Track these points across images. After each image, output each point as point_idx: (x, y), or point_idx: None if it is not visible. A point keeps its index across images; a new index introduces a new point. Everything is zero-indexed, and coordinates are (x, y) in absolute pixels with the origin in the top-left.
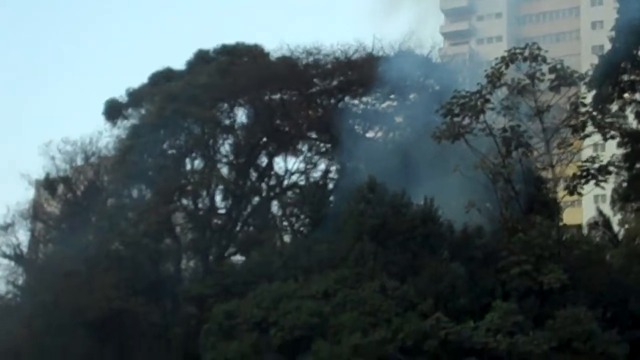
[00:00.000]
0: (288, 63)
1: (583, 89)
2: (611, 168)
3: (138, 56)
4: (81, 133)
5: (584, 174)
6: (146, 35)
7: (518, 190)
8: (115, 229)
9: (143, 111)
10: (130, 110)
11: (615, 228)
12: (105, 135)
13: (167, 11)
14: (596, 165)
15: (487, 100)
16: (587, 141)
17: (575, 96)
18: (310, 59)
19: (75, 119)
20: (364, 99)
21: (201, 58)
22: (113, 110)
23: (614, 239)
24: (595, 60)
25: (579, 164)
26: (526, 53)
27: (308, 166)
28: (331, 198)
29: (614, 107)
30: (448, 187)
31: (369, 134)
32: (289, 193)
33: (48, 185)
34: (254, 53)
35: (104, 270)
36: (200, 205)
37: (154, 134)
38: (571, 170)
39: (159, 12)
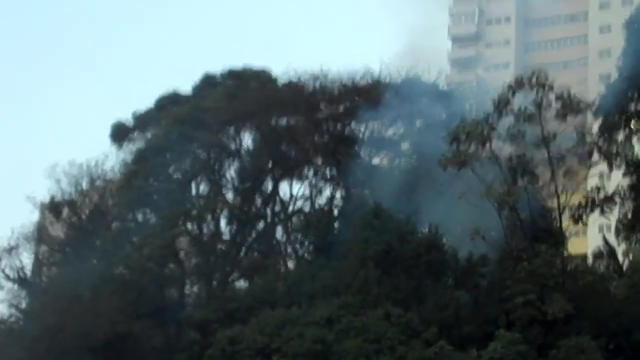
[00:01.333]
0: (295, 88)
1: (590, 117)
2: (616, 198)
3: (145, 79)
4: (87, 156)
5: (589, 203)
6: (153, 59)
7: (523, 219)
8: (119, 253)
9: (149, 135)
10: (136, 134)
11: (620, 258)
12: (111, 159)
13: (174, 34)
14: (601, 195)
15: (494, 128)
16: (593, 170)
17: (582, 125)
18: (317, 83)
19: (82, 142)
20: (370, 125)
21: (208, 82)
22: (119, 134)
23: (619, 269)
24: (603, 89)
25: (585, 193)
26: (533, 80)
27: (313, 192)
28: (336, 224)
29: (621, 136)
30: (453, 215)
31: (375, 160)
32: (294, 219)
33: (53, 208)
34: (261, 78)
35: (108, 294)
36: (204, 230)
37: (160, 158)
38: (576, 199)
39: (166, 35)
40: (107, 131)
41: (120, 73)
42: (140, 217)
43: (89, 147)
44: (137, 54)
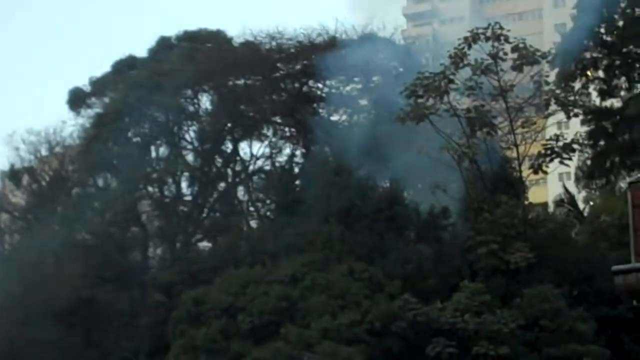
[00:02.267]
0: (251, 48)
1: (546, 67)
2: (575, 146)
3: (100, 44)
4: (45, 123)
5: (549, 152)
6: (108, 23)
7: (483, 170)
8: (81, 219)
9: (107, 100)
10: (93, 99)
11: (580, 205)
12: (69, 125)
13: None
14: (560, 144)
15: (451, 81)
16: (551, 119)
17: (538, 75)
18: (274, 43)
19: (39, 109)
20: (328, 82)
21: (164, 45)
22: (77, 100)
23: (579, 216)
24: (558, 39)
25: (543, 142)
26: (489, 33)
27: (273, 151)
28: (297, 182)
29: (577, 85)
30: (413, 169)
31: (334, 118)
32: (255, 178)
33: (12, 176)
34: (217, 39)
35: (70, 260)
36: (166, 193)
37: (118, 122)
38: (536, 149)
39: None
40: (65, 97)
41: (75, 39)
42: (100, 182)
43: (46, 114)
44: (92, 19)
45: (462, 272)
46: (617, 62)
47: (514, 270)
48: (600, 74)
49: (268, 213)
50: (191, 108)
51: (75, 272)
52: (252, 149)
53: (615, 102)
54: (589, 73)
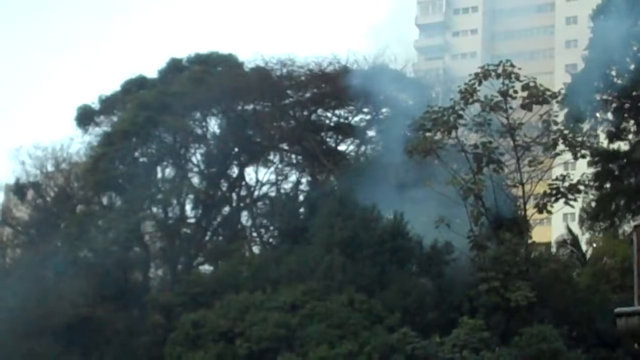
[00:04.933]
0: (262, 74)
1: (555, 107)
2: (581, 187)
3: (111, 63)
4: (52, 139)
5: (554, 192)
6: (119, 42)
7: (488, 207)
8: (84, 236)
9: (115, 118)
10: (102, 117)
11: (583, 247)
12: (77, 142)
13: (140, 18)
14: (566, 184)
15: (460, 116)
16: (558, 159)
17: (547, 114)
18: (284, 70)
19: (47, 125)
20: (337, 111)
21: (174, 66)
22: (85, 117)
23: (582, 258)
24: (568, 79)
25: (549, 182)
26: (499, 70)
27: (279, 177)
28: (301, 210)
29: (586, 126)
30: (419, 202)
31: (341, 147)
32: (259, 204)
33: (17, 190)
34: (228, 63)
35: (71, 277)
36: (170, 214)
37: (126, 141)
38: (541, 188)
39: (132, 19)
40: (73, 114)
41: (86, 57)
42: (105, 200)
43: (54, 130)
44: (104, 38)
45: (463, 308)
46: (627, 105)
47: (514, 308)
48: (609, 116)
49: (271, 239)
50: (199, 131)
51: (75, 289)
52: (257, 175)
53: (623, 145)
54: (598, 115)
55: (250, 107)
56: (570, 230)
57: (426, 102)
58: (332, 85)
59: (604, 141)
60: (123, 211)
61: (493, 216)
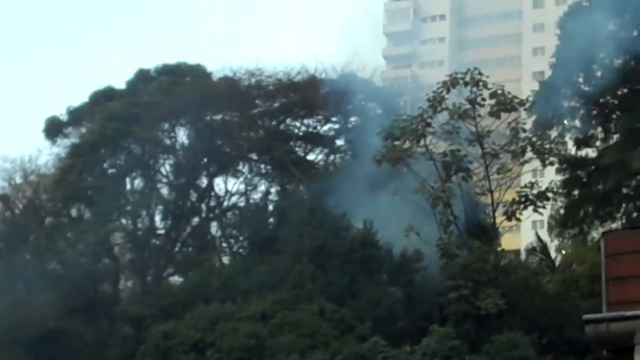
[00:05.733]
0: (230, 84)
1: (523, 114)
2: (549, 194)
3: (79, 74)
4: (20, 151)
5: (523, 199)
6: (87, 54)
7: (457, 215)
8: (53, 248)
9: (83, 130)
10: (70, 129)
11: (552, 254)
12: (45, 154)
13: (108, 29)
14: (535, 191)
15: (428, 125)
16: (526, 167)
17: (515, 122)
18: (253, 80)
19: (15, 137)
20: (306, 121)
21: (142, 77)
22: (53, 128)
23: (551, 265)
24: (536, 87)
25: (518, 189)
26: (467, 78)
27: (248, 187)
28: (271, 220)
29: (554, 134)
30: (388, 211)
31: (310, 156)
32: (229, 214)
33: None
34: (196, 73)
35: (41, 289)
36: (139, 226)
37: (94, 153)
38: (510, 195)
39: (100, 30)
40: (41, 126)
41: (54, 68)
42: (74, 212)
43: (22, 142)
44: (72, 49)
45: (433, 316)
46: (594, 112)
47: (484, 316)
48: (577, 123)
49: (241, 250)
50: (168, 141)
51: (45, 302)
52: (227, 185)
53: (590, 152)
54: (565, 122)
55: (218, 117)
56: (539, 238)
57: (395, 110)
58: (301, 94)
59: (572, 148)
60: (92, 223)
61: (462, 224)
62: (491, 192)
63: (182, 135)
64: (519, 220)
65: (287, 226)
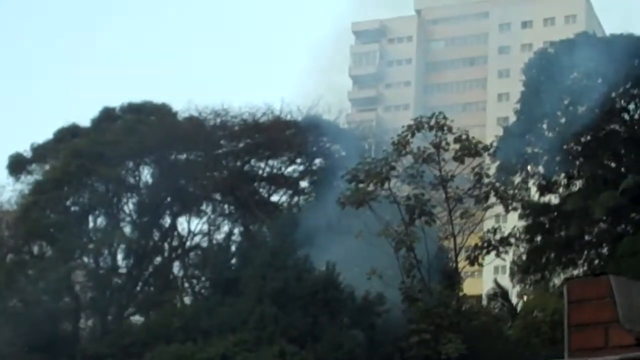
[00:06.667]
0: (195, 123)
1: (487, 160)
2: (512, 240)
3: (44, 112)
4: None
5: (485, 244)
6: (53, 91)
7: (420, 259)
8: (13, 286)
9: (47, 167)
10: (34, 166)
11: (514, 300)
12: (8, 190)
13: (74, 67)
14: (497, 237)
15: (393, 168)
16: (490, 212)
17: (479, 167)
18: (218, 120)
19: None
20: (270, 162)
21: (108, 115)
22: (17, 165)
23: (513, 310)
24: (500, 132)
25: (481, 234)
26: (432, 122)
27: (211, 227)
28: (233, 261)
29: (517, 179)
30: (351, 253)
31: (274, 198)
32: (191, 254)
33: None
34: (162, 112)
35: (0, 326)
36: (101, 264)
37: (58, 190)
38: (473, 240)
39: (66, 68)
40: (4, 162)
41: (19, 105)
42: (35, 249)
43: None
44: (37, 86)
45: None
46: (557, 159)
47: None
48: (540, 169)
49: (203, 290)
50: (132, 180)
51: (4, 339)
52: (190, 225)
53: (553, 198)
54: (529, 168)
55: (183, 156)
56: (497, 284)
57: (359, 153)
58: (266, 135)
59: (535, 194)
60: (54, 260)
61: (425, 268)
62: (454, 236)
63: (146, 174)
64: (481, 265)
65: (250, 267)
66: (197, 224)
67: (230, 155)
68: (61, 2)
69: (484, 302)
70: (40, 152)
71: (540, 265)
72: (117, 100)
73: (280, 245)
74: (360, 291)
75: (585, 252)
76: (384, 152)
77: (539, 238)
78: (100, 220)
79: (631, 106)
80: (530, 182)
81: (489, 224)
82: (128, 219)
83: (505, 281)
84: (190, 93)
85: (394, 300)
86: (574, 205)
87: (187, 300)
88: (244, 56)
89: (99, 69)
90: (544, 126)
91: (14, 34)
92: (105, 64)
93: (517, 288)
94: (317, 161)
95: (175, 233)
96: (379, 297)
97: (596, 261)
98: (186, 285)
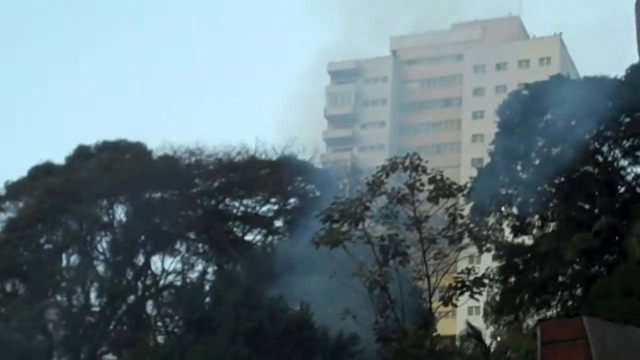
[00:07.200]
0: (170, 162)
1: (461, 201)
2: (486, 280)
3: (18, 149)
4: None
5: (459, 285)
6: (27, 129)
7: (394, 299)
8: None
9: (21, 204)
10: (8, 203)
11: (488, 340)
12: None
13: (48, 105)
14: (471, 277)
15: (367, 208)
16: (464, 253)
17: (454, 207)
18: (193, 159)
19: None
20: (245, 201)
21: (82, 154)
22: None
23: (486, 351)
24: (475, 173)
25: (455, 275)
26: (407, 163)
27: (185, 266)
28: (207, 300)
29: (491, 220)
30: (325, 294)
31: (248, 237)
32: (165, 293)
33: None
34: (136, 151)
35: None
36: (74, 302)
37: (31, 228)
38: (447, 281)
39: (40, 106)
40: None
41: None
42: (8, 287)
43: None
44: (10, 124)
45: None
46: (532, 200)
47: None
48: (514, 210)
49: (176, 329)
50: (105, 218)
51: None
52: (164, 263)
53: (527, 239)
54: (503, 209)
55: (157, 195)
56: (470, 325)
57: (334, 193)
58: (240, 174)
59: (509, 235)
60: (26, 298)
61: (399, 308)
62: (428, 277)
63: (120, 213)
64: (455, 305)
65: (224, 306)
66: (171, 263)
67: (204, 194)
68: (35, 40)
69: (458, 342)
70: (15, 190)
71: (513, 306)
72: (92, 138)
73: (254, 284)
74: (334, 331)
75: (559, 294)
76: (359, 192)
77: (512, 279)
78: (74, 259)
79: (604, 148)
80: (505, 223)
81: (462, 264)
82: (102, 257)
83: (478, 322)
84: (165, 132)
85: (367, 340)
86: (548, 246)
87: (160, 339)
88: (219, 95)
89: (73, 107)
90: (518, 167)
91: None
92: (80, 102)
93: (491, 329)
94: (292, 201)
95: (149, 272)
96: (352, 337)
97: (570, 302)
98: (159, 324)
